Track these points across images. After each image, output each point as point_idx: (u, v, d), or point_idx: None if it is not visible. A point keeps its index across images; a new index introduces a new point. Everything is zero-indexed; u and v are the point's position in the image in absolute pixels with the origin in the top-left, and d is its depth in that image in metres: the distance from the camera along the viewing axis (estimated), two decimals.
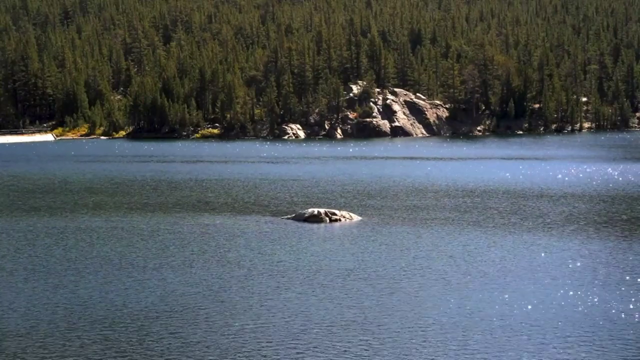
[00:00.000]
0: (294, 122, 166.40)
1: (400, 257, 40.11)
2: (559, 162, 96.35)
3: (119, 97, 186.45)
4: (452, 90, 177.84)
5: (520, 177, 78.19)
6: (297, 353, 26.02)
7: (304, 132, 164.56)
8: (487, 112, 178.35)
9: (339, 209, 53.40)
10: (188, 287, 34.35)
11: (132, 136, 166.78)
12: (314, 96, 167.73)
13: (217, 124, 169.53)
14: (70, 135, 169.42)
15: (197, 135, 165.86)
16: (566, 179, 76.21)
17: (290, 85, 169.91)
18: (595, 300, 31.68)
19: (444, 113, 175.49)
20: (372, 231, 47.65)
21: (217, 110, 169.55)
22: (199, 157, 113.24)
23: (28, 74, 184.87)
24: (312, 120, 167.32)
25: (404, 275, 36.23)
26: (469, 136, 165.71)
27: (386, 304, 31.41)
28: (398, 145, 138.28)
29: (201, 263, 39.21)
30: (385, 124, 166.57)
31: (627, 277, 35.29)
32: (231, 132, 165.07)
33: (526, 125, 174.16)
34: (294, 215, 52.91)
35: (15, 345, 27.08)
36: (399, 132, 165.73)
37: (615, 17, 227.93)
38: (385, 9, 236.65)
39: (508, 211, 54.99)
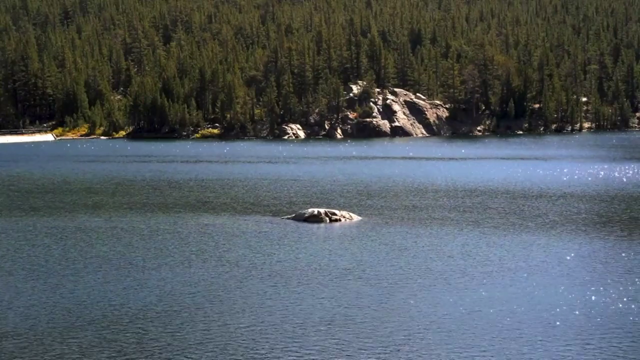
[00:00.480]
0: (294, 122, 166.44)
1: (400, 257, 40.10)
2: (558, 162, 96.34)
3: (119, 97, 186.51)
4: (452, 90, 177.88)
5: (520, 177, 78.18)
6: (297, 353, 26.00)
7: (304, 132, 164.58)
8: (487, 112, 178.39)
9: (339, 209, 53.39)
10: (187, 287, 34.33)
11: (132, 136, 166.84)
12: (314, 96, 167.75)
13: (217, 124, 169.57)
14: (70, 135, 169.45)
15: (197, 135, 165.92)
16: (566, 179, 76.20)
17: (290, 85, 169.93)
18: (595, 300, 31.67)
19: (444, 113, 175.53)
20: (372, 231, 47.64)
21: (217, 110, 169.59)
22: (199, 157, 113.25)
23: (28, 74, 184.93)
24: (312, 120, 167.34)
25: (403, 275, 36.21)
26: (469, 136, 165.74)
27: (386, 304, 31.40)
28: (398, 145, 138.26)
29: (200, 263, 39.20)
30: (385, 124, 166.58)
31: (627, 277, 35.28)
32: (231, 132, 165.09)
33: (526, 125, 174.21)
34: (294, 215, 52.89)
35: (14, 345, 27.07)
36: (399, 132, 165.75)
37: (615, 17, 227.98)
38: (385, 9, 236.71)
39: (507, 211, 54.98)
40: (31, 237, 47.06)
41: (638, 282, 34.34)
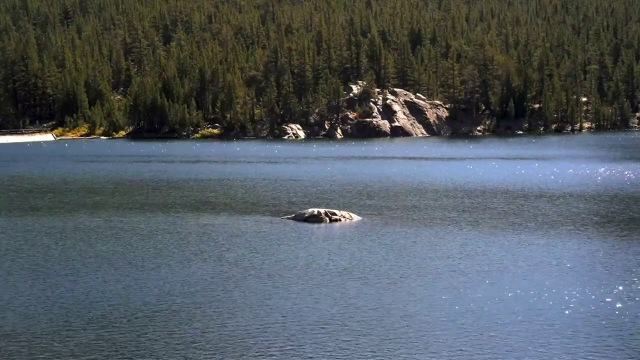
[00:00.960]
0: (294, 122, 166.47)
1: (399, 257, 40.08)
2: (558, 162, 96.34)
3: (119, 97, 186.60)
4: (452, 90, 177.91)
5: (520, 177, 78.17)
6: (296, 353, 25.99)
7: (304, 132, 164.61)
8: (487, 112, 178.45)
9: (339, 209, 53.37)
10: (187, 287, 34.31)
11: (132, 136, 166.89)
12: (314, 96, 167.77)
13: (217, 124, 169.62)
14: (70, 135, 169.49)
15: (197, 135, 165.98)
16: (566, 178, 76.19)
17: (290, 85, 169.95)
18: (594, 299, 31.65)
19: (444, 113, 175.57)
20: (372, 231, 47.61)
21: (217, 110, 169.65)
22: (199, 157, 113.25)
23: (28, 74, 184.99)
24: (312, 120, 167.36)
25: (403, 275, 36.19)
26: (469, 136, 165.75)
27: (386, 304, 31.38)
28: (398, 145, 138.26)
29: (200, 263, 39.17)
30: (385, 124, 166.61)
31: (626, 277, 35.26)
32: (231, 132, 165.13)
33: (526, 125, 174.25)
34: (293, 215, 52.87)
35: (13, 344, 27.05)
36: (399, 132, 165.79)
37: (615, 17, 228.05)
38: (385, 9, 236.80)
39: (507, 211, 54.96)
40: (31, 237, 47.03)
41: (637, 282, 34.32)
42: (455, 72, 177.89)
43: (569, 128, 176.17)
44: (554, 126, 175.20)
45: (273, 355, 25.79)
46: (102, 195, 68.16)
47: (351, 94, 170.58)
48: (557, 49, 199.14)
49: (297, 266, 38.17)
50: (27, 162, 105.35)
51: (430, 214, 54.30)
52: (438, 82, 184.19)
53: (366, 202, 60.52)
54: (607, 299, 31.67)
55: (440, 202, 60.45)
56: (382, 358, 25.53)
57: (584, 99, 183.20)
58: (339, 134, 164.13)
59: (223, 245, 43.61)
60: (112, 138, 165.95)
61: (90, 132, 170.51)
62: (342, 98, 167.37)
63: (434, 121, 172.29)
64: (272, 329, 28.40)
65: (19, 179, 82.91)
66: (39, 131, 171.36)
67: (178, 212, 56.17)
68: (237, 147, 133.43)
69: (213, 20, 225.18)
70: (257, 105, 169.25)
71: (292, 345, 26.64)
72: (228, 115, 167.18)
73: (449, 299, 31.93)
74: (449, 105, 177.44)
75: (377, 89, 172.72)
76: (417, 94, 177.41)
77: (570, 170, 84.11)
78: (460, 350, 26.11)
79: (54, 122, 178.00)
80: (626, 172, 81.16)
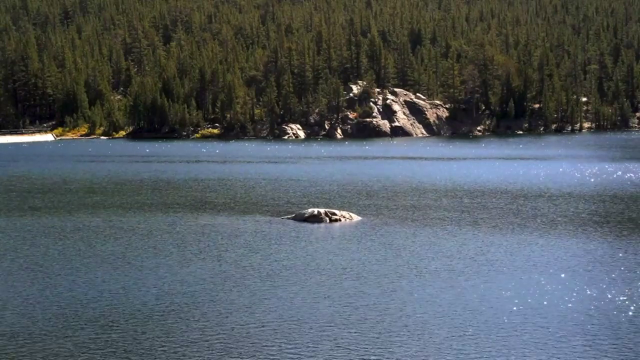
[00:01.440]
0: (294, 122, 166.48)
1: (399, 256, 40.08)
2: (558, 162, 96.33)
3: (119, 97, 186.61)
4: (452, 90, 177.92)
5: (520, 177, 78.17)
6: (296, 353, 25.98)
7: (304, 132, 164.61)
8: (487, 112, 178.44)
9: (339, 209, 53.37)
10: (186, 287, 34.31)
11: (132, 136, 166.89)
12: (314, 96, 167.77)
13: (217, 124, 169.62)
14: (70, 135, 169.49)
15: (197, 135, 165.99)
16: (565, 178, 76.19)
17: (290, 85, 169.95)
18: (594, 299, 31.64)
19: (444, 113, 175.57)
20: (372, 231, 47.61)
21: (217, 110, 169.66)
22: (199, 157, 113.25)
23: (28, 74, 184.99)
24: (312, 120, 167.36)
25: (403, 274, 36.19)
26: (469, 136, 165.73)
27: (385, 304, 31.37)
28: (398, 145, 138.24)
29: (200, 262, 39.17)
30: (385, 124, 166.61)
31: (626, 277, 35.25)
32: (231, 132, 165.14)
33: (526, 125, 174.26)
34: (294, 215, 52.87)
35: (11, 344, 27.04)
36: (399, 132, 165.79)
37: (615, 17, 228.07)
38: (385, 9, 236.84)
39: (507, 211, 54.96)
40: (30, 236, 47.03)
41: (637, 282, 34.31)
42: (455, 72, 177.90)
43: (569, 128, 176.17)
44: (554, 126, 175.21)
45: (273, 355, 25.78)
46: (101, 195, 68.15)
47: (351, 94, 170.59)
48: (557, 49, 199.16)
49: (297, 266, 38.16)
50: (27, 162, 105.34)
51: (429, 213, 54.30)
52: (438, 82, 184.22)
53: (366, 202, 60.52)
54: (607, 299, 31.66)
55: (439, 202, 60.45)
56: (382, 357, 25.53)
57: (584, 99, 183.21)
58: (339, 134, 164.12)
59: (223, 245, 43.60)
60: (112, 138, 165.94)
61: (90, 132, 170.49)
62: (342, 98, 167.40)
63: (434, 121, 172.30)
64: (272, 328, 28.39)
65: (19, 179, 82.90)
66: (39, 131, 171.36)
67: (178, 212, 56.17)
68: (237, 147, 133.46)
69: (213, 20, 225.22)
70: (257, 105, 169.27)
71: (291, 345, 26.64)
72: (228, 115, 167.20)
73: (448, 298, 31.93)
74: (449, 105, 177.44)
75: (377, 89, 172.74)
76: (417, 94, 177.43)
77: (570, 170, 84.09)
78: (460, 349, 26.11)
79: (54, 122, 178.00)
80: (626, 172, 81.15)
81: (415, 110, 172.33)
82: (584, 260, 38.68)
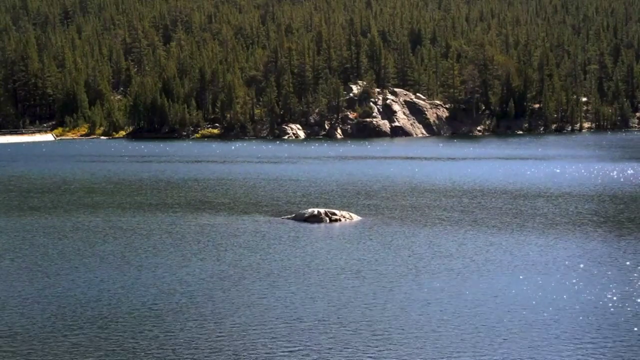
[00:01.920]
0: (294, 122, 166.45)
1: (399, 256, 40.08)
2: (558, 162, 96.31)
3: (119, 97, 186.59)
4: (452, 90, 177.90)
5: (520, 177, 78.16)
6: (295, 352, 25.98)
7: (304, 132, 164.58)
8: (487, 112, 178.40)
9: (339, 209, 53.38)
10: (186, 286, 34.32)
11: (132, 136, 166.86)
12: (314, 96, 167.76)
13: (217, 124, 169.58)
14: (70, 135, 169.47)
15: (197, 135, 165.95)
16: (565, 178, 76.19)
17: (290, 85, 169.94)
18: (594, 299, 31.64)
19: (444, 113, 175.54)
20: (372, 231, 47.62)
21: (217, 110, 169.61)
22: (199, 157, 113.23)
23: (28, 74, 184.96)
24: (312, 120, 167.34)
25: (403, 274, 36.20)
26: (469, 136, 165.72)
27: (385, 303, 31.38)
28: (398, 145, 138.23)
29: (200, 262, 39.17)
30: (385, 124, 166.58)
31: (625, 277, 35.25)
32: (231, 132, 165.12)
33: (526, 125, 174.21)
34: (294, 215, 52.88)
35: (10, 344, 27.04)
36: (399, 132, 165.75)
37: (615, 17, 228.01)
38: (385, 9, 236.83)
39: (507, 211, 54.97)
40: (30, 236, 47.04)
41: (637, 282, 34.31)
42: (455, 72, 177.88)
43: (569, 128, 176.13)
44: (554, 126, 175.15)
45: (272, 355, 25.78)
46: (101, 195, 68.16)
47: (351, 94, 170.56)
48: (557, 49, 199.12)
49: (297, 266, 38.17)
50: (27, 162, 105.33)
51: (429, 213, 54.31)
52: (438, 82, 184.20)
53: (366, 202, 60.53)
54: (606, 299, 31.66)
55: (439, 202, 60.45)
56: (381, 357, 25.54)
57: (584, 99, 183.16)
58: (339, 134, 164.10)
59: (222, 245, 43.60)
60: (112, 138, 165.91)
61: (90, 132, 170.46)
62: (342, 98, 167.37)
63: (434, 121, 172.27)
64: (272, 328, 28.39)
65: (19, 179, 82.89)
66: (39, 131, 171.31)
67: (177, 212, 56.18)
68: (237, 148, 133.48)
69: (213, 20, 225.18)
70: (257, 105, 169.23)
71: (291, 345, 26.64)
72: (228, 115, 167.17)
73: (447, 298, 31.93)
74: (449, 105, 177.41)
75: (377, 89, 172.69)
76: (417, 94, 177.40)
77: (570, 170, 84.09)
78: (459, 349, 26.11)
79: (54, 122, 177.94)
80: (625, 172, 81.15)
81: (415, 110, 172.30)
82: (583, 260, 38.68)
